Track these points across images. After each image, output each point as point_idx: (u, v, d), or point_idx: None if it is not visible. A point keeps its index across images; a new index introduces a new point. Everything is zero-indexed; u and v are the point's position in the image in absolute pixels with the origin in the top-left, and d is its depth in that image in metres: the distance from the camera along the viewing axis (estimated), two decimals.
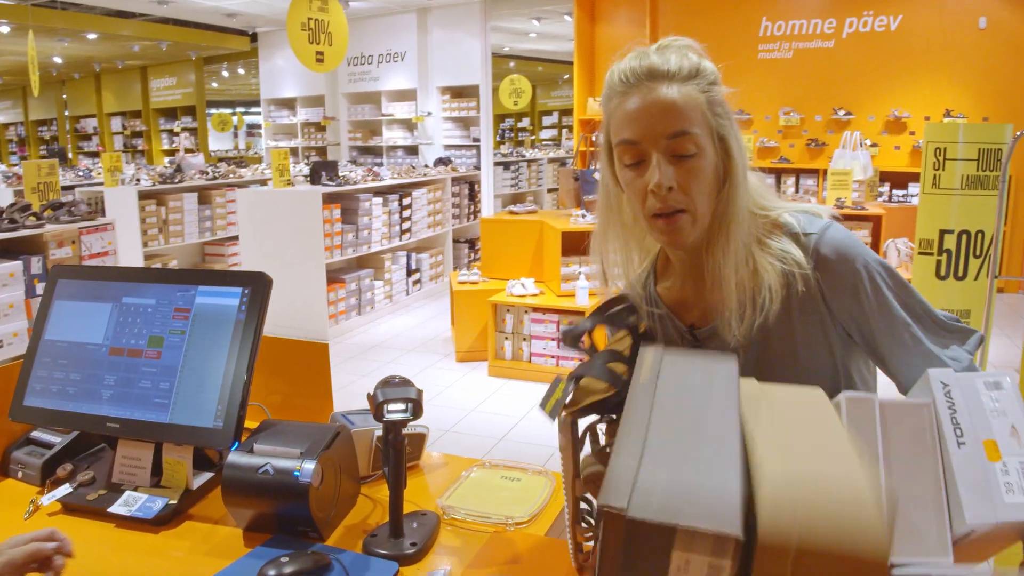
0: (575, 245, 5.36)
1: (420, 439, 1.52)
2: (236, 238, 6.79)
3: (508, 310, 5.25)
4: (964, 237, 3.82)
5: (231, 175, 7.64)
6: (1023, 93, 6.97)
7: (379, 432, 1.45)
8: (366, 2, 9.35)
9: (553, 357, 5.13)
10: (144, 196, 6.45)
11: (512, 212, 6.11)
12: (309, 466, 1.21)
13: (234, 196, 7.08)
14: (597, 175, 4.80)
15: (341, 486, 1.31)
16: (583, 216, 5.49)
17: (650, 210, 1.10)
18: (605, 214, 1.24)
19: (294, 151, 11.29)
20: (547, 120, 21.01)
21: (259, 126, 13.77)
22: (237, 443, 1.29)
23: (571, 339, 1.14)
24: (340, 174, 6.45)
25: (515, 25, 12.01)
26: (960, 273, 3.83)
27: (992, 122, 5.15)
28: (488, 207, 9.68)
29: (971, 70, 7.13)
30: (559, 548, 1.21)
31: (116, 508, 1.30)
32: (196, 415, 1.32)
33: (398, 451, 1.19)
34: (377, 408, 1.17)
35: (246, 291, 1.38)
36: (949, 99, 7.34)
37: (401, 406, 1.18)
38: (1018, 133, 3.51)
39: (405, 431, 1.23)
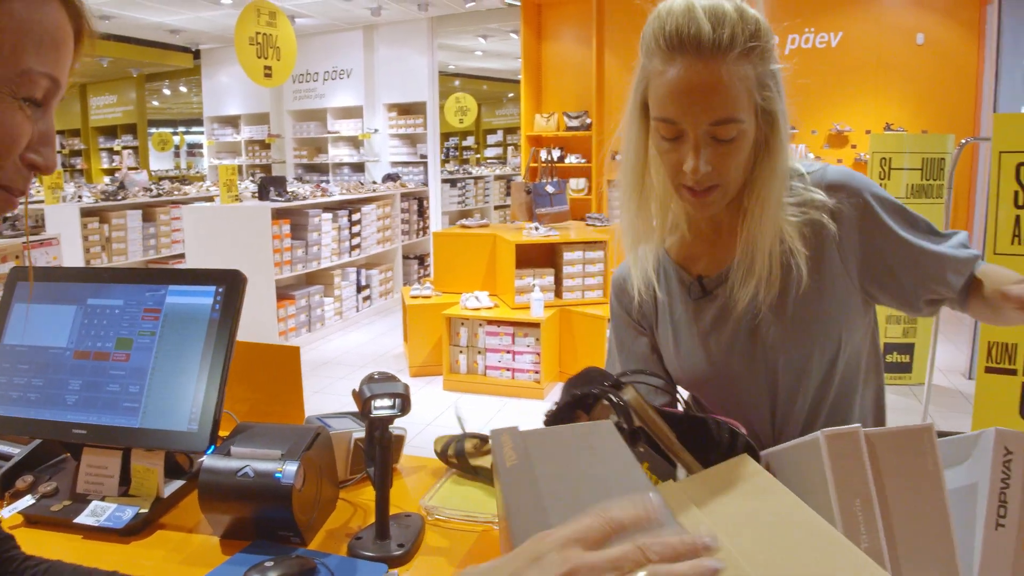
0: (529, 257, 5.37)
1: (399, 441, 1.48)
2: (182, 256, 6.63)
3: (462, 323, 5.22)
4: None
5: (176, 192, 7.48)
6: (959, 106, 7.23)
7: (358, 434, 1.41)
8: (312, 19, 9.28)
9: (508, 370, 5.11)
10: (86, 213, 6.26)
11: (464, 226, 6.09)
12: (291, 467, 1.16)
13: (179, 213, 6.92)
14: (549, 188, 4.78)
15: (322, 489, 1.26)
16: (536, 229, 5.50)
17: (681, 180, 1.09)
18: (630, 176, 1.17)
19: (238, 169, 11.10)
20: (492, 138, 21.07)
21: (200, 146, 13.52)
22: (213, 447, 1.24)
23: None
24: (289, 190, 6.36)
25: (461, 43, 12.05)
26: None
27: (931, 133, 5.33)
28: (436, 224, 9.65)
29: (910, 84, 7.38)
30: None
31: (83, 519, 1.24)
32: (169, 419, 1.26)
33: (385, 448, 1.16)
34: (364, 404, 1.14)
35: (220, 290, 1.33)
36: (889, 113, 7.57)
37: (388, 402, 1.15)
38: (963, 142, 3.63)
39: (360, 436, 1.20)
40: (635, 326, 1.38)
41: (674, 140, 1.06)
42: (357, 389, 1.17)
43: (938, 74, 7.31)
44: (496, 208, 13.25)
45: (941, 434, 1.07)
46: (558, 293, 5.35)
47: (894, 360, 5.12)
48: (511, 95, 19.81)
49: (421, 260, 8.49)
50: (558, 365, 5.30)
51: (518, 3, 9.00)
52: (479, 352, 5.19)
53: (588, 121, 8.87)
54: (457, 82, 16.43)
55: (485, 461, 1.42)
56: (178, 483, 1.33)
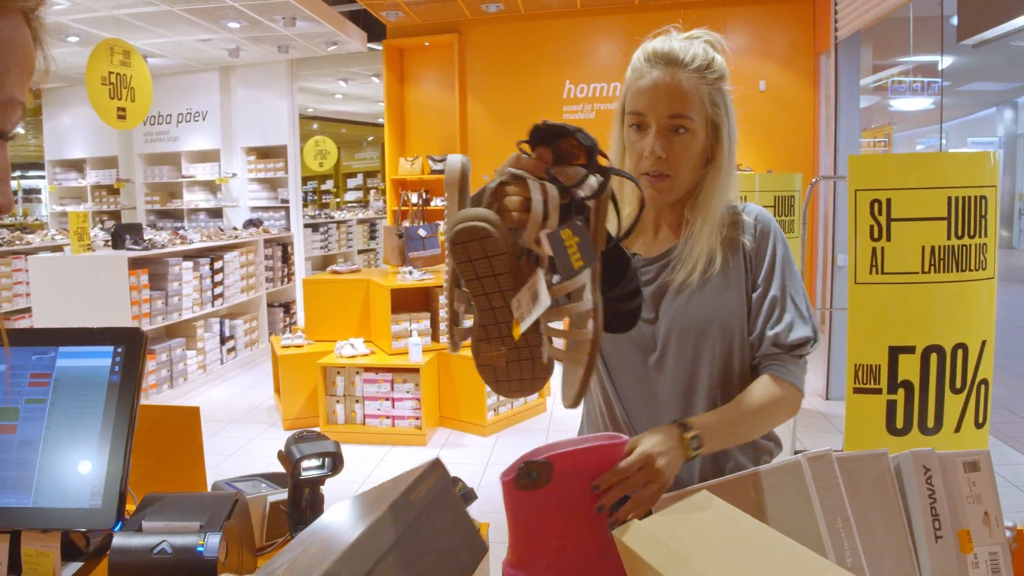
0: (404, 302, 5.31)
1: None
2: (27, 310, 6.13)
3: (338, 372, 5.07)
4: None
5: (17, 242, 6.92)
6: (799, 147, 7.80)
7: (273, 498, 1.33)
8: (165, 59, 8.92)
9: (388, 417, 5.00)
10: None
11: (335, 272, 5.96)
12: (214, 539, 1.07)
13: (22, 264, 6.41)
14: (422, 232, 4.74)
15: (243, 560, 1.18)
16: (410, 273, 5.45)
17: (642, 168, 1.32)
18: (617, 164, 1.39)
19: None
20: (352, 182, 20.86)
21: (39, 191, 12.62)
22: (120, 523, 1.13)
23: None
24: (146, 237, 6.02)
25: (321, 86, 11.92)
26: None
27: (776, 173, 5.72)
28: (300, 270, 9.39)
29: (754, 128, 7.88)
30: None
31: None
32: (67, 495, 1.14)
33: (317, 511, 1.09)
34: (294, 466, 1.07)
35: (119, 350, 1.22)
36: (737, 154, 8.06)
37: (317, 462, 1.09)
38: (813, 180, 3.89)
39: (279, 499, 1.14)
40: None
41: (639, 130, 1.31)
42: (283, 450, 1.10)
43: (779, 118, 7.86)
44: (360, 252, 13.08)
45: None
46: (435, 337, 5.30)
47: None
48: (371, 138, 19.73)
49: (287, 308, 8.22)
50: (438, 410, 5.24)
51: (380, 47, 9.00)
52: (357, 401, 5.05)
53: None
54: (316, 125, 16.20)
55: None
56: (76, 565, 1.21)
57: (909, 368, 2.87)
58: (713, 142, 1.34)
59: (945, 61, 8.21)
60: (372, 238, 13.97)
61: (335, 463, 1.09)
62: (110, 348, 1.23)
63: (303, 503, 1.12)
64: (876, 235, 2.83)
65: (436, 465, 0.82)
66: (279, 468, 2.12)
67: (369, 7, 8.00)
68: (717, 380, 1.34)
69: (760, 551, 0.75)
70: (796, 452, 1.33)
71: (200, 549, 1.06)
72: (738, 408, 1.27)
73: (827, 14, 6.07)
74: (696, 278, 1.32)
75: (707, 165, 1.35)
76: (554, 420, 5.39)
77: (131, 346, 1.23)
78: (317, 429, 1.07)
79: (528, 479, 1.02)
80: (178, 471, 1.51)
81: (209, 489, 1.40)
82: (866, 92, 7.26)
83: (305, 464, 1.07)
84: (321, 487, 1.09)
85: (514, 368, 1.05)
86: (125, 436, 1.17)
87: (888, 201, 2.81)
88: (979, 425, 2.93)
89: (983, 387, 2.94)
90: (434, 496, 0.79)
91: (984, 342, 2.93)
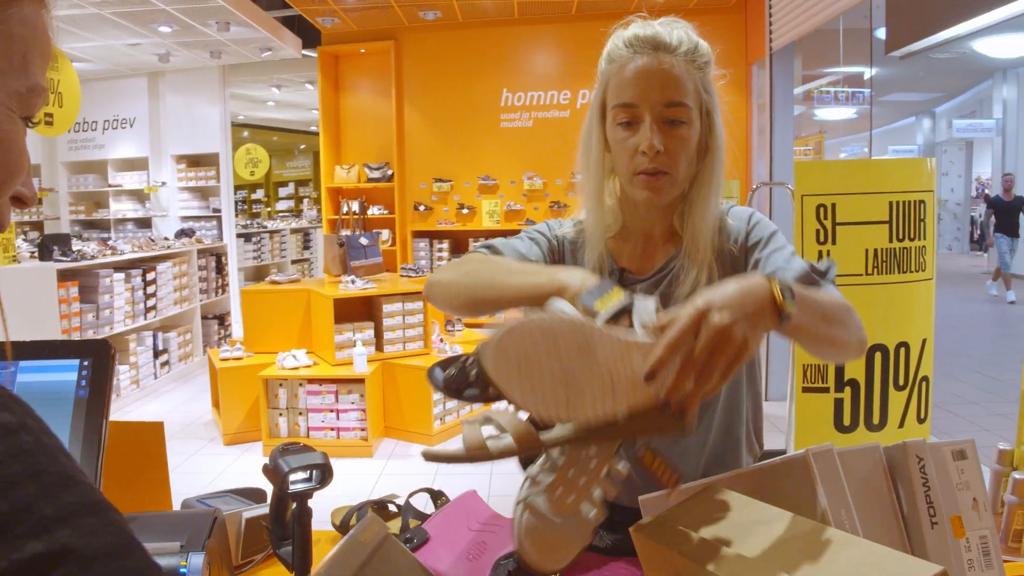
0: (348, 312, 5.23)
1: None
2: None
3: (281, 384, 4.96)
4: None
5: None
6: (731, 155, 7.93)
7: (249, 514, 1.28)
8: (91, 64, 8.62)
9: (333, 429, 4.91)
10: None
11: (274, 282, 5.84)
12: (197, 560, 1.03)
13: None
14: (363, 240, 4.70)
15: None
16: (353, 282, 5.37)
17: (636, 167, 1.19)
18: (585, 172, 1.29)
19: None
20: (283, 191, 20.52)
21: None
22: None
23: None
24: (75, 248, 5.79)
25: (254, 92, 11.70)
26: None
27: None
28: (234, 280, 9.18)
29: None
30: None
31: None
32: None
33: (305, 526, 1.06)
34: (282, 479, 1.03)
35: (85, 363, 1.16)
36: None
37: (305, 474, 1.05)
38: (754, 187, 3.97)
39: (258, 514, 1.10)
40: (546, 245, 1.36)
41: (630, 125, 1.19)
42: (269, 464, 1.06)
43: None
44: (294, 262, 12.86)
45: (769, 453, 1.18)
46: (379, 347, 5.23)
47: None
48: (303, 146, 19.46)
49: (222, 320, 8.01)
50: (383, 420, 5.17)
51: (315, 54, 8.88)
52: (300, 413, 4.95)
53: (390, 172, 8.86)
54: (247, 133, 15.89)
55: (390, 527, 1.34)
56: None
57: (855, 367, 2.95)
58: (707, 133, 1.24)
59: (870, 72, 8.51)
60: (306, 248, 13.75)
61: (324, 475, 1.05)
62: (76, 362, 1.17)
63: (287, 518, 1.09)
64: (822, 239, 2.91)
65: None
66: (227, 485, 2.06)
67: (305, 13, 7.89)
68: (724, 402, 1.30)
69: (794, 534, 0.76)
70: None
71: (183, 571, 1.02)
72: (815, 293, 1.03)
73: (760, 25, 6.24)
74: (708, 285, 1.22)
75: (701, 159, 1.25)
76: None
77: (99, 359, 1.17)
78: (300, 443, 1.05)
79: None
80: (143, 490, 1.45)
81: (178, 507, 1.35)
82: (796, 101, 7.48)
83: (293, 477, 1.03)
84: (309, 500, 1.05)
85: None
86: (96, 454, 1.11)
87: (833, 206, 2.88)
88: (921, 420, 3.03)
89: (924, 384, 3.05)
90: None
91: (924, 340, 3.03)
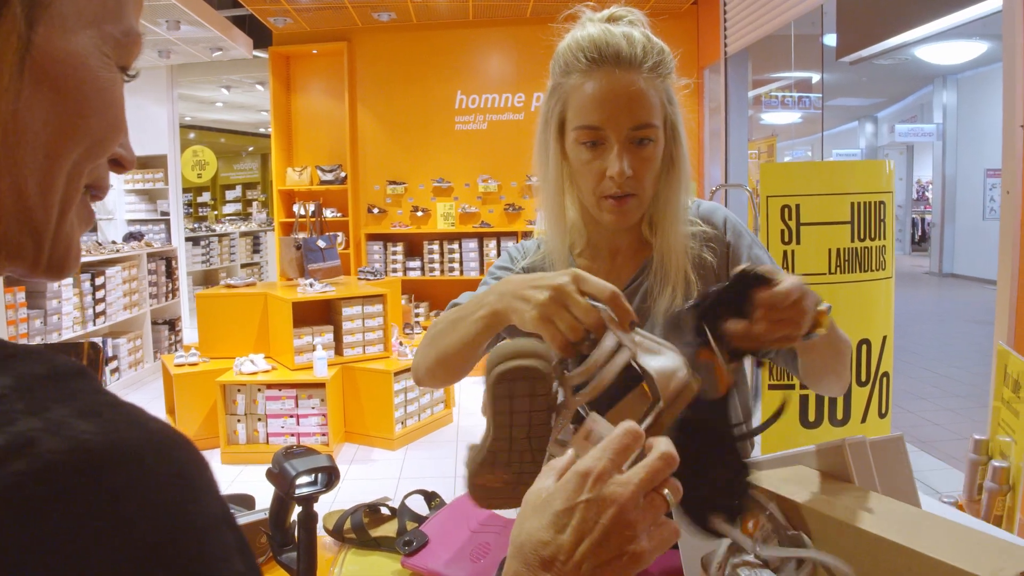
0: (306, 315, 5.15)
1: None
2: None
3: (239, 390, 4.87)
4: None
5: None
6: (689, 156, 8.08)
7: (244, 520, 1.25)
8: None
9: (293, 435, 4.83)
10: None
11: (230, 286, 5.73)
12: None
13: None
14: (321, 243, 4.64)
15: None
16: (311, 285, 5.30)
17: (603, 191, 1.16)
18: (543, 184, 1.25)
19: None
20: (230, 194, 20.17)
21: None
22: None
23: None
24: None
25: (202, 93, 11.48)
26: None
27: None
28: (184, 285, 8.99)
29: None
30: None
31: None
32: None
33: (311, 531, 1.03)
34: (289, 484, 1.01)
35: None
36: None
37: (310, 478, 1.03)
38: (714, 188, 4.03)
39: (255, 519, 1.08)
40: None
41: (595, 148, 1.14)
42: (274, 468, 1.04)
43: None
44: (243, 266, 12.66)
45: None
46: (338, 350, 5.17)
47: None
48: (251, 148, 19.15)
49: (172, 325, 7.84)
50: (344, 425, 5.11)
51: (266, 55, 8.74)
52: (259, 419, 4.86)
53: (343, 174, 8.77)
54: (193, 135, 15.58)
55: (385, 530, 1.32)
56: None
57: None
58: (671, 143, 1.19)
59: (816, 77, 8.72)
60: (256, 251, 13.54)
61: (330, 478, 1.03)
62: None
63: (287, 523, 1.06)
64: (787, 239, 2.96)
65: None
66: None
67: (256, 12, 7.77)
68: None
69: (868, 502, 0.82)
70: None
71: None
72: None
73: (713, 30, 6.34)
74: (679, 305, 1.20)
75: (666, 171, 1.21)
76: (461, 430, 5.36)
77: (88, 360, 1.13)
78: (303, 446, 1.02)
79: None
80: None
81: None
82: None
83: (300, 481, 1.01)
84: (315, 504, 1.03)
85: (509, 489, 0.94)
86: None
87: (797, 207, 2.94)
88: (882, 415, 3.11)
89: (885, 379, 3.12)
90: None
91: (885, 337, 3.11)
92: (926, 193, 16.44)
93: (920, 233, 17.72)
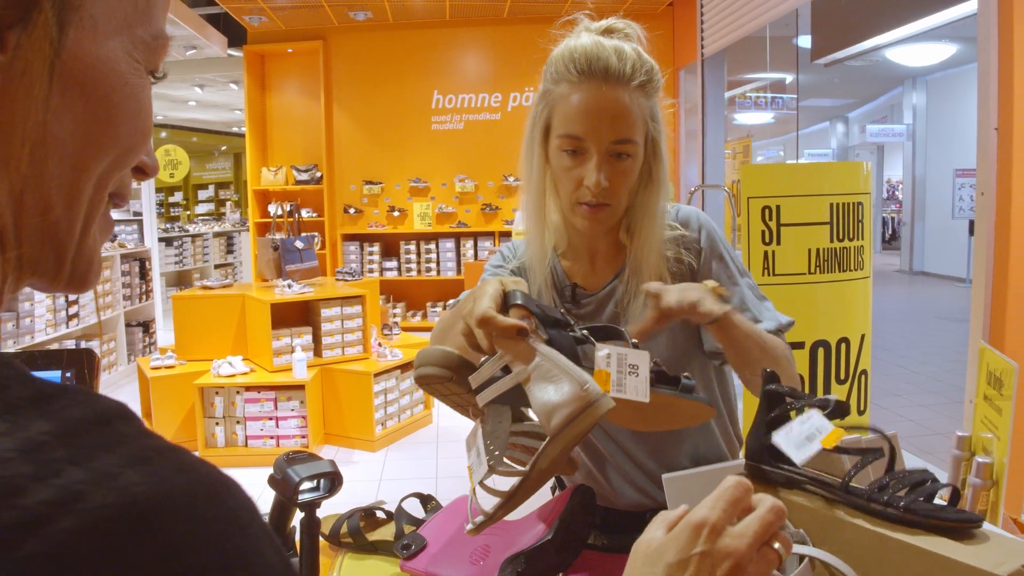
0: (285, 317, 5.12)
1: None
2: None
3: (217, 392, 4.83)
4: None
5: None
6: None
7: None
8: None
9: (272, 438, 4.80)
10: None
11: (206, 287, 5.68)
12: None
13: None
14: (299, 244, 4.60)
15: None
16: (289, 286, 5.27)
17: (579, 198, 1.20)
18: (534, 195, 1.28)
19: None
20: (203, 194, 19.98)
21: None
22: None
23: None
24: None
25: (176, 92, 11.36)
26: None
27: None
28: (157, 286, 8.89)
29: None
30: None
31: None
32: None
33: (314, 537, 1.03)
34: (293, 490, 1.01)
35: (68, 374, 1.11)
36: None
37: (313, 484, 1.03)
38: (692, 189, 4.06)
39: None
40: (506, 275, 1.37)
41: (576, 156, 1.19)
42: (276, 474, 1.03)
43: None
44: (217, 267, 12.54)
45: None
46: (317, 352, 5.15)
47: None
48: (224, 148, 18.98)
49: (146, 327, 7.75)
50: (323, 427, 5.08)
51: (241, 54, 8.68)
52: (238, 422, 4.82)
53: (319, 174, 8.73)
54: (164, 134, 15.40)
55: (382, 534, 1.32)
56: None
57: (800, 362, 3.05)
58: (651, 158, 1.24)
59: (789, 78, 8.82)
60: (230, 252, 13.42)
61: (333, 483, 1.03)
62: (57, 373, 1.12)
63: (287, 528, 1.06)
64: (767, 239, 2.99)
65: None
66: None
67: (231, 11, 7.71)
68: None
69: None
70: None
71: None
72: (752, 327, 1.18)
73: (689, 32, 6.39)
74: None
75: (644, 183, 1.25)
76: (441, 431, 5.36)
77: (81, 368, 1.12)
78: (304, 451, 1.03)
79: None
80: None
81: None
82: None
83: (303, 487, 1.00)
84: (318, 510, 1.03)
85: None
86: None
87: (778, 207, 2.97)
88: (861, 412, 3.16)
89: (863, 377, 3.17)
90: None
91: (863, 336, 3.15)
92: (896, 192, 16.68)
93: (891, 232, 17.97)
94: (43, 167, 0.40)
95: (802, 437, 0.89)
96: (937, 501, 0.85)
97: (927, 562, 0.75)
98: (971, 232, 11.30)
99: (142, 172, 0.48)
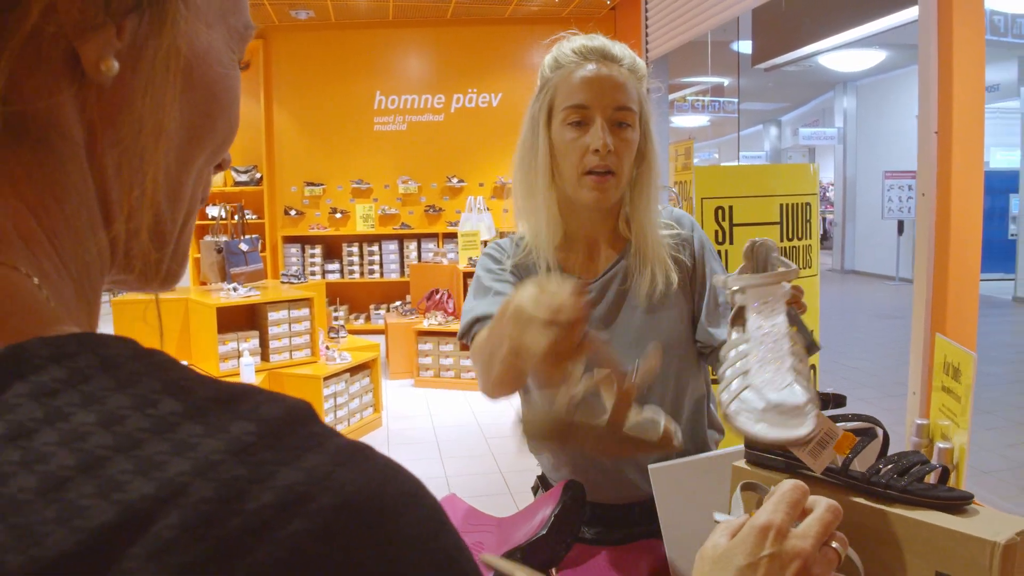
0: (231, 321, 5.03)
1: None
2: None
3: None
4: None
5: None
6: None
7: None
8: None
9: None
10: None
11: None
12: None
13: None
14: (243, 246, 4.53)
15: None
16: (234, 290, 5.18)
17: (586, 166, 1.26)
18: (530, 175, 1.33)
19: None
20: None
21: None
22: None
23: None
24: None
25: None
26: None
27: None
28: None
29: None
30: None
31: None
32: None
33: None
34: None
35: None
36: None
37: None
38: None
39: None
40: (508, 277, 1.38)
41: (579, 125, 1.26)
42: None
43: None
44: None
45: None
46: (264, 356, 5.07)
47: None
48: None
49: None
50: None
51: None
52: None
53: (258, 176, 8.60)
54: None
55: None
56: None
57: None
58: (643, 140, 1.32)
59: (727, 82, 9.02)
60: None
61: None
62: None
63: None
64: (721, 239, 3.06)
65: None
66: None
67: None
68: (673, 391, 1.35)
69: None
70: None
71: None
72: None
73: (633, 35, 6.48)
74: (658, 294, 1.31)
75: (638, 162, 1.32)
76: (391, 433, 5.33)
77: None
78: None
79: None
80: None
81: None
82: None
83: None
84: None
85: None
86: None
87: (730, 208, 3.05)
88: None
89: (812, 372, 3.26)
90: None
91: (811, 332, 3.24)
92: (828, 194, 17.20)
93: (823, 232, 18.53)
94: (155, 159, 0.38)
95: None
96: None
97: (929, 534, 0.80)
98: (900, 232, 11.73)
99: (218, 167, 0.47)
